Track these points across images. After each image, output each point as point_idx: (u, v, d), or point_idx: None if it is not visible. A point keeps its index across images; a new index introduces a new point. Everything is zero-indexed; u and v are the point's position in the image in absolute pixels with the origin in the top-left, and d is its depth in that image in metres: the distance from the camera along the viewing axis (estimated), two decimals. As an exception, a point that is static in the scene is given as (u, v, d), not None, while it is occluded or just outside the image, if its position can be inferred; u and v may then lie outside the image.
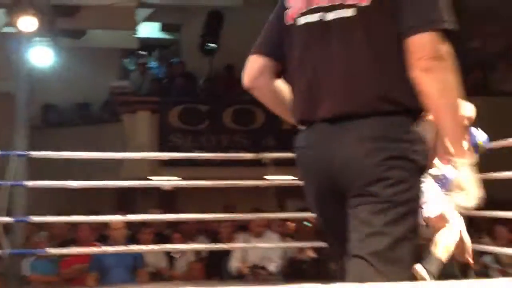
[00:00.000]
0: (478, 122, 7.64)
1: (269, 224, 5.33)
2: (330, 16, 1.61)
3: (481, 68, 8.52)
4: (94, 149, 4.67)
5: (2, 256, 4.22)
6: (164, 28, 11.07)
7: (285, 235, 5.75)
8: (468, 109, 3.48)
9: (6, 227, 4.16)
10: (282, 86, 1.76)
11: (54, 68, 6.92)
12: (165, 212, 5.56)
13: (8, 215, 4.12)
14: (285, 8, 1.70)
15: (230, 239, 5.36)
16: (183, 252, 5.13)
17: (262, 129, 8.04)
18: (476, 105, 8.30)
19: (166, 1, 9.09)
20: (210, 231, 5.97)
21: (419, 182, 1.57)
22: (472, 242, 3.80)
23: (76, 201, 6.46)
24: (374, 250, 1.51)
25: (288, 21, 1.70)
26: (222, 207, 6.33)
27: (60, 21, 7.27)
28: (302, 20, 1.66)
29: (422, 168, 1.57)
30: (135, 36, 8.95)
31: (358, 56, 1.56)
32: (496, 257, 5.29)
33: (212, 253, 5.28)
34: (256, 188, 4.96)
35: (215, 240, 5.56)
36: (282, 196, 7.90)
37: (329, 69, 1.59)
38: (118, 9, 7.84)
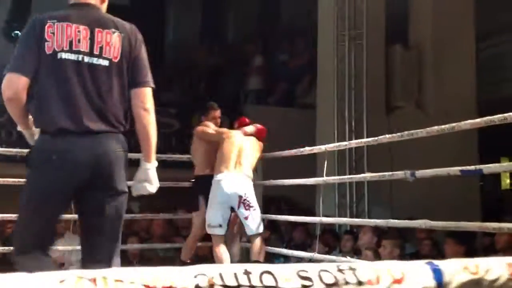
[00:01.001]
0: (282, 131, 8.14)
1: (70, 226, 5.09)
2: (92, 60, 2.29)
3: (288, 81, 9.12)
4: None
5: None
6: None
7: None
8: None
9: None
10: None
11: None
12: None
13: None
14: (44, 40, 2.26)
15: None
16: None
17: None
18: (280, 115, 8.84)
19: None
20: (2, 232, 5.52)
21: None
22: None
23: None
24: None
25: (47, 51, 2.26)
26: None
27: None
28: (63, 55, 2.27)
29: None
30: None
31: (114, 95, 2.33)
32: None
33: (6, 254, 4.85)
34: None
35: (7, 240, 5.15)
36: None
37: (93, 98, 2.29)
38: None
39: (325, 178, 4.37)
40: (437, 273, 1.15)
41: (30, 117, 2.38)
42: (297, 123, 8.05)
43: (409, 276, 1.12)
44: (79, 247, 4.73)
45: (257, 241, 4.20)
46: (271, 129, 8.43)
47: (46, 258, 2.31)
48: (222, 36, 11.41)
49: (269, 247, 5.09)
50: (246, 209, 4.12)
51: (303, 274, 1.01)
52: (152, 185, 2.48)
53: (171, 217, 5.74)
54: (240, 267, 0.99)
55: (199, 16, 11.51)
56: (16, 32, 8.13)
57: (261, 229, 4.21)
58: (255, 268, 1.00)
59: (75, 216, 4.58)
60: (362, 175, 5.09)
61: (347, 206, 6.82)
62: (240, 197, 4.10)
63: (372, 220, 4.77)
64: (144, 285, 0.91)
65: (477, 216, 6.47)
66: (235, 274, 0.96)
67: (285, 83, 9.14)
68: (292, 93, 9.07)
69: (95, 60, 2.30)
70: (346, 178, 6.27)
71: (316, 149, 4.59)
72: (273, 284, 0.98)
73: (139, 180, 2.48)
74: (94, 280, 0.89)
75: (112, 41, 2.31)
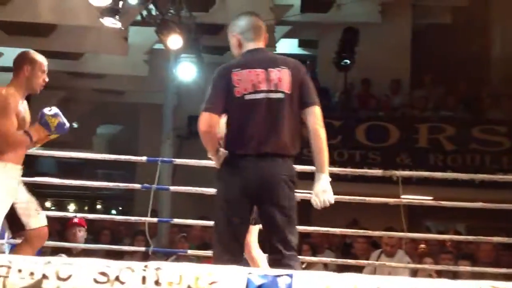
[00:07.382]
0: None
1: (399, 244, 5.22)
2: (271, 95, 2.74)
3: None
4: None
5: (147, 253, 4.53)
6: (301, 44, 11.33)
7: (417, 256, 5.62)
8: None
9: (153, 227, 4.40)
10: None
11: (199, 82, 7.35)
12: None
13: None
14: (233, 86, 2.77)
15: (363, 255, 5.31)
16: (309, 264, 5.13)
17: (396, 146, 7.91)
18: None
19: (304, 18, 9.31)
20: (336, 245, 6.01)
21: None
22: None
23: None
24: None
25: (236, 95, 2.76)
26: (346, 223, 6.30)
27: (204, 38, 7.74)
28: (250, 97, 2.76)
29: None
30: (275, 52, 9.27)
31: (287, 123, 2.73)
32: None
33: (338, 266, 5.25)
34: (386, 206, 4.92)
35: (344, 253, 5.57)
36: (416, 216, 7.70)
37: (271, 126, 2.73)
38: (257, 26, 8.15)
39: None
40: None
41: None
42: None
43: None
44: (410, 265, 4.88)
45: None
46: None
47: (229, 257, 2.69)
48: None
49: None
50: None
51: None
52: (330, 194, 2.73)
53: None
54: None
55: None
56: (346, 61, 8.81)
57: None
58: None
59: (411, 235, 4.68)
60: None
61: None
62: None
63: None
64: None
65: None
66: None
67: None
68: None
69: (274, 95, 2.76)
70: None
71: None
72: None
73: (316, 192, 2.74)
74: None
75: (283, 77, 2.78)
